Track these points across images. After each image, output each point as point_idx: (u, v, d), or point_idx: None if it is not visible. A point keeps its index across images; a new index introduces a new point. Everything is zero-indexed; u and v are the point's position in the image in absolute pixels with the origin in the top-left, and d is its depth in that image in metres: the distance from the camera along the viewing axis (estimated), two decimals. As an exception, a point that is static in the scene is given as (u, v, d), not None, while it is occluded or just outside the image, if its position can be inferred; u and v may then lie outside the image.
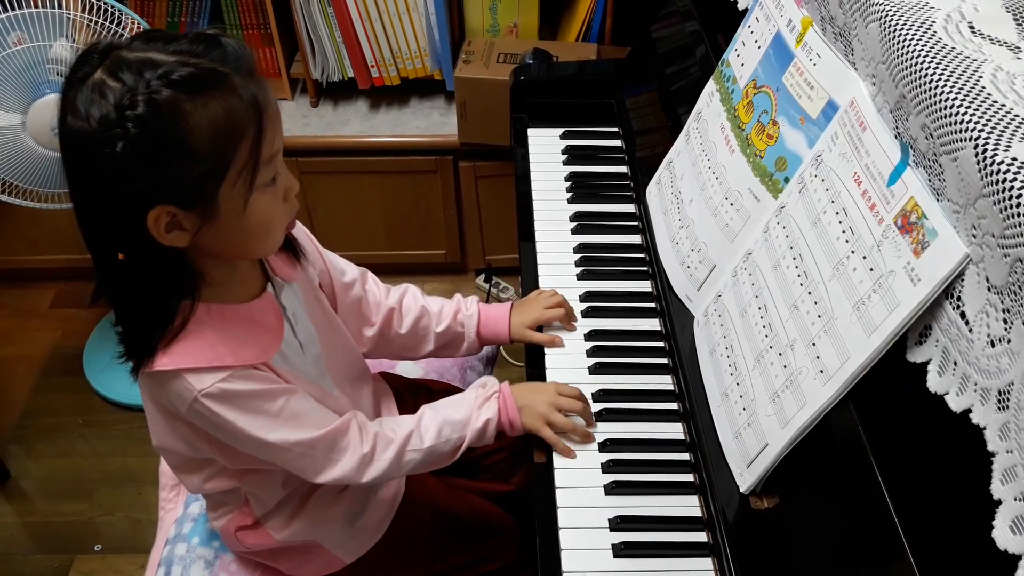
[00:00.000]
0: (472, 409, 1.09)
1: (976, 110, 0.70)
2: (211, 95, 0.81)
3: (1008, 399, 0.66)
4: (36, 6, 1.59)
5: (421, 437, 1.06)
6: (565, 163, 1.50)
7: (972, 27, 0.80)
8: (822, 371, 0.86)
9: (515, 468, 1.32)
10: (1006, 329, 0.67)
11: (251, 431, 0.94)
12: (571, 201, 1.43)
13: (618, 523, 1.02)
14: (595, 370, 1.18)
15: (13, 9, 1.58)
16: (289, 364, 1.00)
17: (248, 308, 0.97)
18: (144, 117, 0.78)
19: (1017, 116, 0.70)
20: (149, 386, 0.95)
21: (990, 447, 0.67)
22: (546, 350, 1.22)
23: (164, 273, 0.88)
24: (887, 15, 0.83)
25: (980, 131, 0.69)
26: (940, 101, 0.73)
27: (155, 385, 0.93)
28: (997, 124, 0.69)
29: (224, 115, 0.81)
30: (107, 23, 1.65)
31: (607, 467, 1.07)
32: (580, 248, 1.35)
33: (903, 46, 0.80)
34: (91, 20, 1.64)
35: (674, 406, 1.14)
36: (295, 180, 0.92)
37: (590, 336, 1.23)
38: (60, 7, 1.61)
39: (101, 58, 0.81)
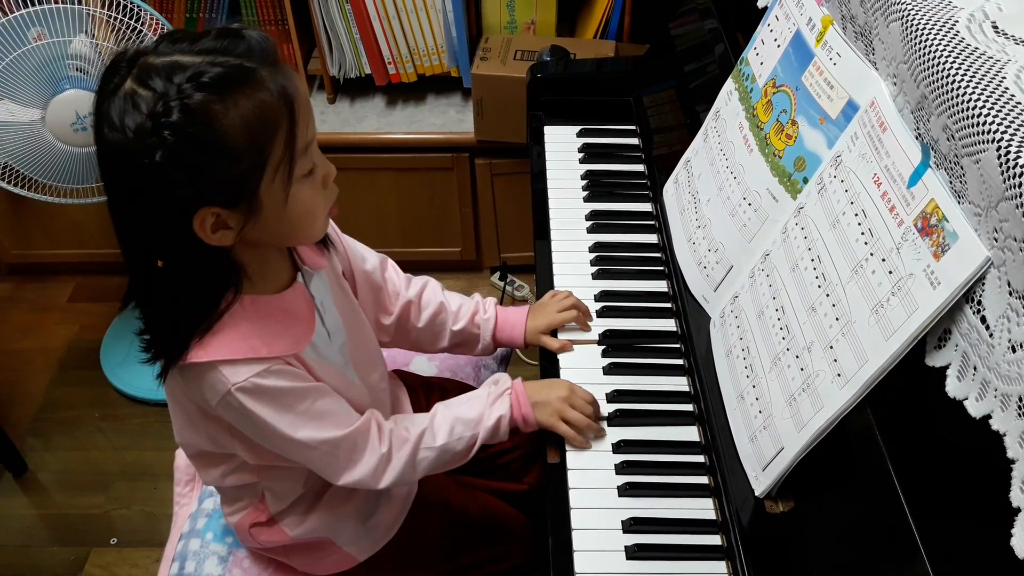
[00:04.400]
0: (485, 406, 1.09)
1: (999, 111, 0.69)
2: (241, 93, 0.81)
3: (1029, 406, 0.65)
4: (56, 2, 1.60)
5: (434, 435, 1.07)
6: (581, 161, 1.49)
7: (996, 27, 0.79)
8: (839, 374, 0.86)
9: (528, 467, 1.31)
10: (1028, 334, 0.66)
11: (280, 428, 0.95)
12: (587, 200, 1.42)
13: (631, 525, 1.01)
14: (610, 370, 1.18)
15: (33, 5, 1.59)
16: (318, 354, 1.01)
17: (281, 299, 0.97)
18: (179, 123, 0.79)
19: (1041, 118, 0.69)
20: (180, 380, 0.95)
21: (1010, 454, 0.66)
22: (560, 349, 1.21)
23: (209, 271, 0.89)
24: (909, 14, 0.82)
25: (1003, 133, 0.68)
26: (962, 102, 0.72)
27: (188, 378, 0.94)
28: (1021, 126, 0.68)
29: (256, 111, 0.82)
30: (126, 19, 1.65)
31: (621, 468, 1.07)
32: (596, 247, 1.35)
33: (925, 46, 0.78)
34: (111, 16, 1.65)
35: (689, 407, 1.13)
36: (332, 166, 0.93)
37: (605, 336, 1.22)
38: (80, 3, 1.61)
39: (129, 66, 0.82)
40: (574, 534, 1.01)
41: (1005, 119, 0.68)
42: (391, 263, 1.23)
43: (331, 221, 1.11)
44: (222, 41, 0.83)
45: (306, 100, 0.88)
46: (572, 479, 1.06)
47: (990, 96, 0.71)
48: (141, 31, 1.68)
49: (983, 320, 0.71)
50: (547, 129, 1.55)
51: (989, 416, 0.69)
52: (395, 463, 1.04)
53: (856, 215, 0.88)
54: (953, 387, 0.73)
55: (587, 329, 1.23)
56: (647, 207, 1.41)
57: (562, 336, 1.22)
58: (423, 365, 1.44)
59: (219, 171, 0.82)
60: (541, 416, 1.09)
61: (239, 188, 0.84)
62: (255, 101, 0.82)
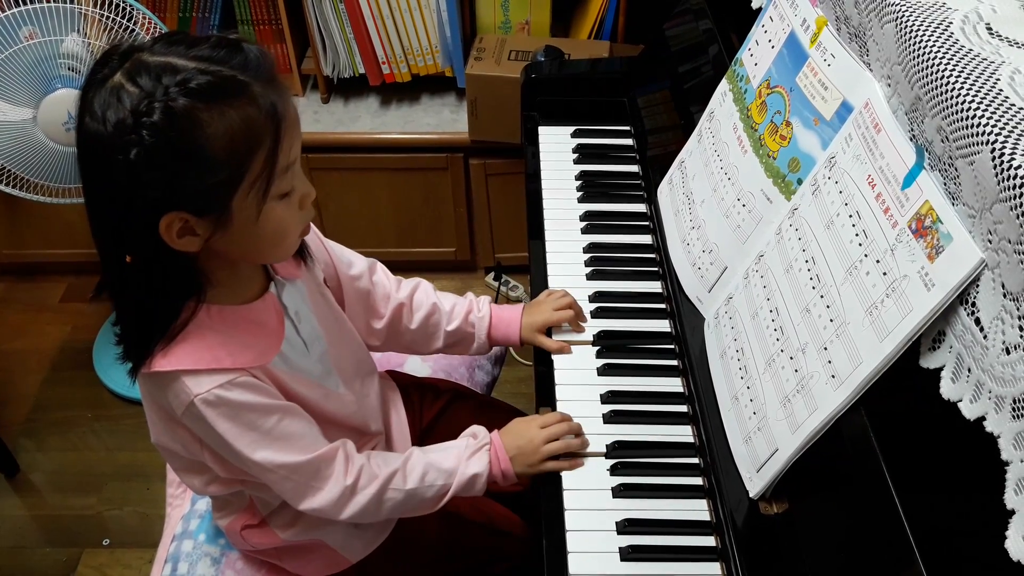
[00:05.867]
0: (460, 459, 1.07)
1: (993, 113, 0.69)
2: (228, 104, 0.80)
3: (1023, 407, 0.65)
4: (48, 1, 1.59)
5: (405, 477, 1.05)
6: (576, 162, 1.49)
7: (990, 28, 0.79)
8: (834, 376, 0.85)
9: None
10: (1022, 336, 0.66)
11: (238, 446, 0.93)
12: (581, 200, 1.42)
13: (625, 526, 1.01)
14: (604, 371, 1.18)
15: (25, 4, 1.58)
16: (289, 366, 0.99)
17: (249, 309, 0.96)
18: (160, 125, 0.77)
19: (1035, 120, 0.69)
20: (147, 386, 0.95)
21: (1004, 456, 0.66)
22: (555, 350, 1.21)
23: (172, 275, 0.87)
24: (903, 15, 0.82)
25: (997, 135, 0.68)
26: (956, 103, 0.72)
27: (153, 386, 0.93)
28: (1015, 128, 0.68)
29: (240, 125, 0.80)
30: (119, 18, 1.65)
31: (615, 469, 1.07)
32: (590, 248, 1.34)
33: (919, 47, 0.78)
34: (103, 15, 1.64)
35: (683, 409, 1.13)
36: (312, 188, 0.91)
37: (599, 337, 1.22)
38: (72, 2, 1.61)
39: (122, 60, 0.81)
40: (568, 535, 1.01)
41: (999, 121, 0.68)
42: (380, 266, 1.22)
43: (314, 227, 1.11)
44: (219, 50, 0.82)
45: (295, 121, 0.86)
46: (566, 480, 1.06)
47: (984, 98, 0.71)
48: (134, 30, 1.67)
49: (977, 322, 0.71)
50: (541, 129, 1.55)
51: (983, 418, 0.69)
52: (359, 498, 1.02)
53: (850, 216, 0.88)
54: (947, 389, 0.73)
55: (580, 330, 1.23)
56: (641, 208, 1.41)
57: (556, 337, 1.22)
58: (417, 366, 1.44)
59: (193, 178, 0.80)
60: (520, 468, 1.07)
61: (211, 198, 0.82)
62: (241, 114, 0.80)
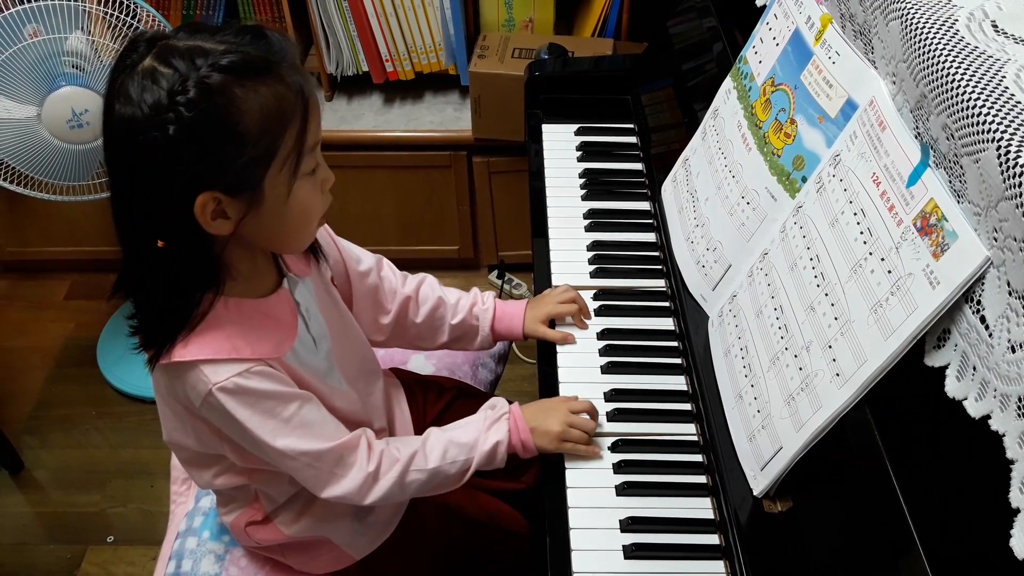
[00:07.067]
0: (480, 431, 1.07)
1: (999, 111, 0.69)
2: (261, 81, 0.83)
3: (1028, 406, 0.65)
4: (52, -2, 1.60)
5: (426, 457, 1.05)
6: (579, 160, 1.49)
7: (996, 26, 0.79)
8: (838, 374, 0.85)
9: (526, 466, 1.31)
10: (1027, 334, 0.66)
11: (259, 433, 0.94)
12: (585, 198, 1.42)
13: (629, 524, 1.01)
14: (608, 369, 1.18)
15: (29, 1, 1.58)
16: (300, 361, 1.00)
17: (265, 303, 0.97)
18: (196, 101, 0.79)
19: (1041, 117, 0.68)
20: (165, 378, 0.95)
21: (1009, 454, 0.66)
22: (558, 348, 1.21)
23: (196, 264, 0.89)
24: (909, 13, 0.81)
25: (1003, 132, 0.67)
26: (962, 101, 0.72)
27: (171, 377, 0.94)
28: (1021, 125, 0.67)
29: (273, 101, 0.83)
30: (123, 16, 1.65)
31: (619, 467, 1.07)
32: (594, 245, 1.34)
33: (925, 44, 0.78)
34: (107, 13, 1.64)
35: (687, 407, 1.13)
36: (331, 173, 0.94)
37: (603, 335, 1.22)
38: (76, -1, 1.61)
39: (149, 46, 0.83)
40: (572, 533, 1.01)
41: (1005, 118, 0.68)
42: (386, 262, 1.23)
43: (326, 225, 1.11)
44: (244, 36, 0.84)
45: (318, 102, 0.89)
46: (570, 478, 1.06)
47: (990, 95, 0.71)
48: (138, 28, 1.67)
49: (982, 320, 0.71)
50: (545, 127, 1.55)
51: (988, 416, 0.69)
52: (382, 482, 1.02)
53: (855, 214, 0.88)
54: (952, 387, 0.73)
55: (584, 327, 1.23)
56: (645, 205, 1.40)
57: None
58: (420, 363, 1.44)
59: (229, 154, 0.82)
60: (541, 443, 1.07)
61: (245, 175, 0.84)
62: (274, 91, 0.83)
